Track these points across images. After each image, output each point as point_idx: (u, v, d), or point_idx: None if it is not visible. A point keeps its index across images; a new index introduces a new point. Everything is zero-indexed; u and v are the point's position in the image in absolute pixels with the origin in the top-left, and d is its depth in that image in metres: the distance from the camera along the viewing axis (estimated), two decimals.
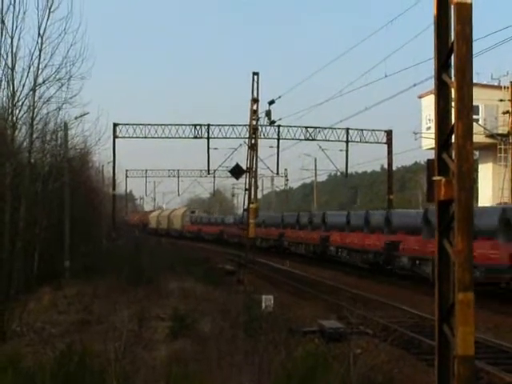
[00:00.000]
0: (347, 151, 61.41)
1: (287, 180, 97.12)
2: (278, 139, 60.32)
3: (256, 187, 37.65)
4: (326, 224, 47.72)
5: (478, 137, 48.16)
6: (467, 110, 6.94)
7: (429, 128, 54.15)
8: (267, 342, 13.85)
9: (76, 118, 32.20)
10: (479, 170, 56.23)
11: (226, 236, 70.56)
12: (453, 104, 7.16)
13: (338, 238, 44.11)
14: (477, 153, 55.90)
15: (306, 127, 60.25)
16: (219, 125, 60.77)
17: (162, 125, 61.73)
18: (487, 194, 54.53)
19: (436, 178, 7.28)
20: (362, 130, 61.18)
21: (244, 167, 37.47)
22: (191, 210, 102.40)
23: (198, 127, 60.78)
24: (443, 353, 7.35)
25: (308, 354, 13.72)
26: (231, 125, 60.34)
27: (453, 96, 7.14)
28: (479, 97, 46.82)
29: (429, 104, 52.56)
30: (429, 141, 51.62)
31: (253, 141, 36.57)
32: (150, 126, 61.63)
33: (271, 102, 38.29)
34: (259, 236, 55.97)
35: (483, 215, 27.24)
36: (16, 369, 12.70)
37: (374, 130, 61.55)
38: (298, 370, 12.31)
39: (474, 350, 6.93)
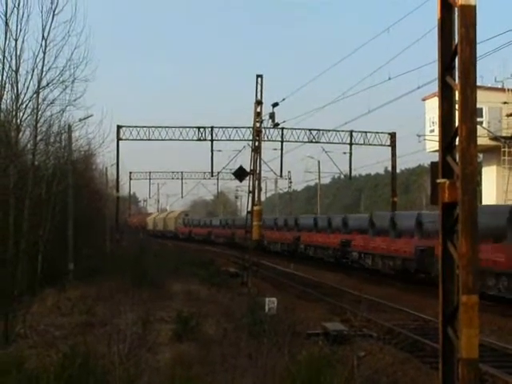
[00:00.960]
0: (351, 154, 61.32)
1: (291, 182, 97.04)
2: (282, 141, 60.25)
3: (259, 189, 37.66)
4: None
5: (482, 139, 48.09)
6: (471, 112, 6.93)
7: (432, 130, 54.09)
8: (271, 345, 13.83)
9: (80, 120, 32.24)
10: (483, 173, 56.14)
11: (213, 237, 79.02)
12: (457, 106, 7.15)
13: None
14: (481, 155, 55.82)
15: (310, 129, 60.20)
16: (223, 127, 60.76)
17: (165, 127, 61.73)
18: (491, 197, 54.44)
19: (440, 180, 7.28)
20: (365, 132, 61.10)
21: (248, 169, 37.46)
22: (185, 213, 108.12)
23: (201, 129, 60.75)
24: (447, 355, 7.34)
25: (312, 356, 13.71)
26: (235, 127, 60.33)
27: (457, 98, 7.14)
28: (483, 99, 46.73)
29: (433, 106, 52.49)
30: (433, 143, 51.56)
31: (256, 143, 36.56)
32: (153, 128, 61.62)
33: (275, 105, 38.31)
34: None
35: None
36: (19, 371, 12.71)
37: (377, 133, 61.45)
38: (302, 372, 12.30)
39: (479, 352, 6.92)
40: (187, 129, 61.18)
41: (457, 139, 7.09)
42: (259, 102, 36.19)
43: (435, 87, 7.72)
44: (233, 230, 72.76)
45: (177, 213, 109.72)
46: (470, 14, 6.93)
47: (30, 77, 23.37)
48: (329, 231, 49.11)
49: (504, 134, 53.50)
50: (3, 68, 22.63)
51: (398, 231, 37.81)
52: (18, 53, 22.50)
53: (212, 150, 60.99)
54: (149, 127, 61.69)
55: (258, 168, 36.39)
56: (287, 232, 59.11)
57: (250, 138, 42.20)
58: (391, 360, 16.51)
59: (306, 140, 60.84)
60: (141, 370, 13.08)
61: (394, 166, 62.71)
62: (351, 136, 60.64)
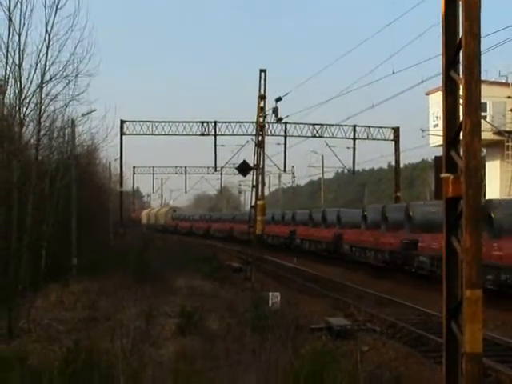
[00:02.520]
0: (354, 148, 61.29)
1: (294, 177, 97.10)
2: (285, 136, 60.25)
3: (263, 184, 37.64)
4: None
5: (486, 134, 48.00)
6: (475, 106, 6.91)
7: (436, 125, 54.03)
8: (274, 340, 13.83)
9: (83, 114, 32.21)
10: (486, 167, 56.09)
11: (195, 229, 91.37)
12: (461, 101, 7.13)
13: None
14: (484, 150, 55.72)
15: (313, 124, 60.17)
16: (226, 122, 60.77)
17: (169, 122, 61.74)
18: (495, 191, 54.38)
19: (444, 175, 7.26)
20: (369, 127, 61.04)
21: (251, 164, 37.45)
22: (173, 209, 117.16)
23: (205, 124, 60.75)
24: (451, 350, 7.32)
25: (315, 351, 13.71)
26: (238, 122, 60.32)
27: (461, 93, 7.12)
28: (487, 94, 46.56)
29: (436, 101, 52.42)
30: (436, 138, 51.50)
31: (260, 138, 36.55)
32: (157, 123, 61.64)
33: (278, 99, 38.23)
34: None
35: None
36: (23, 366, 12.73)
37: (381, 127, 61.40)
38: (306, 367, 12.30)
39: (482, 347, 6.91)
40: (191, 123, 61.27)
41: (461, 133, 7.08)
42: (262, 97, 36.16)
43: (439, 81, 7.71)
44: (209, 224, 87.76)
45: (166, 209, 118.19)
46: (474, 7, 6.91)
47: (33, 71, 23.38)
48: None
49: (508, 129, 53.44)
50: (7, 62, 22.64)
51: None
52: (22, 47, 22.51)
53: (215, 145, 61.11)
54: (152, 122, 61.78)
55: (261, 163, 36.39)
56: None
57: (254, 132, 42.15)
58: (395, 355, 16.52)
59: (310, 135, 60.86)
60: (144, 365, 13.10)
61: (397, 161, 62.66)
62: (355, 130, 60.62)
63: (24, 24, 22.19)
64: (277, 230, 59.27)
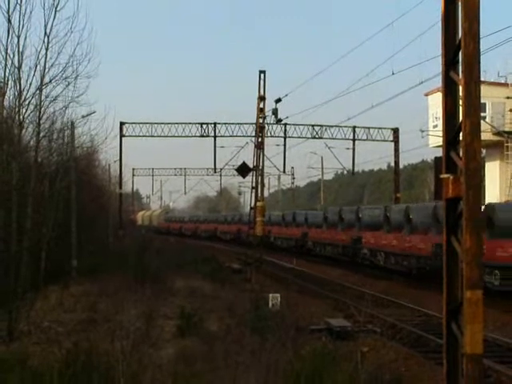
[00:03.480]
0: (354, 149, 61.31)
1: (294, 178, 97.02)
2: (285, 137, 60.26)
3: (263, 185, 37.66)
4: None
5: (485, 134, 47.99)
6: (475, 107, 6.91)
7: (435, 126, 54.03)
8: (274, 341, 13.83)
9: (83, 116, 32.19)
10: (486, 168, 56.08)
11: (184, 230, 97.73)
12: (460, 101, 7.13)
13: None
14: (483, 150, 55.72)
15: (313, 125, 60.16)
16: (226, 123, 60.77)
17: (168, 123, 61.74)
18: (494, 192, 54.38)
19: (444, 175, 7.26)
20: (368, 128, 61.07)
21: (251, 165, 37.45)
22: (165, 212, 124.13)
23: (204, 126, 60.74)
24: (451, 351, 7.32)
25: (315, 352, 13.71)
26: (238, 123, 60.33)
27: (460, 93, 7.11)
28: (486, 94, 46.64)
29: (435, 102, 52.42)
30: (435, 139, 51.51)
31: (259, 139, 36.57)
32: (156, 125, 61.65)
33: (278, 101, 38.27)
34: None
35: None
36: (23, 368, 12.72)
37: (380, 128, 61.42)
38: (306, 368, 12.30)
39: (483, 348, 6.90)
40: (190, 125, 61.25)
41: (460, 134, 7.07)
42: (262, 98, 36.19)
43: (438, 82, 7.71)
44: (196, 225, 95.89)
45: (159, 211, 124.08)
46: (473, 8, 6.91)
47: (32, 73, 23.34)
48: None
49: (507, 129, 53.44)
50: (6, 65, 22.61)
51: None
52: (21, 49, 22.47)
53: (215, 146, 61.09)
54: (152, 123, 61.80)
55: (260, 164, 36.42)
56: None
57: (253, 134, 42.22)
58: (395, 356, 16.50)
59: (309, 136, 60.87)
60: (144, 366, 13.09)
61: (396, 162, 62.68)
62: (354, 132, 60.64)
63: (23, 26, 22.17)
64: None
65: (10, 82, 23.01)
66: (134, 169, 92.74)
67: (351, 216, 43.89)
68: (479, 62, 6.94)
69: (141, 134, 61.69)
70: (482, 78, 7.21)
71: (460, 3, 7.04)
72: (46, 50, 23.47)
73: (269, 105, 37.37)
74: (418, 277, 32.67)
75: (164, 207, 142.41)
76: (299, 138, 61.08)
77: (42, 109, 25.09)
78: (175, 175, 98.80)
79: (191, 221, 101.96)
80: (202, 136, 61.05)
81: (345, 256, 43.95)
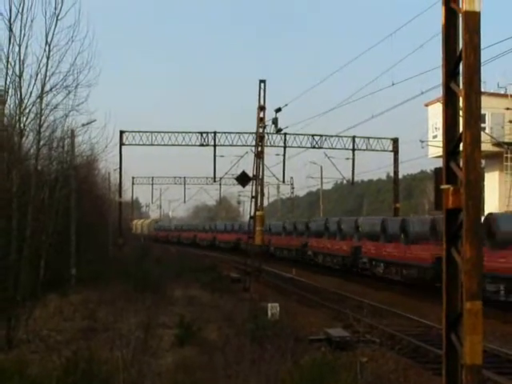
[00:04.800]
0: (353, 159, 61.31)
1: (293, 188, 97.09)
2: (285, 147, 60.26)
3: (262, 195, 37.61)
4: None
5: (485, 145, 48.03)
6: (475, 118, 6.93)
7: (435, 136, 54.09)
8: (273, 350, 13.83)
9: (83, 125, 32.21)
10: (485, 179, 56.12)
11: (170, 238, 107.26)
12: (461, 112, 7.16)
13: None
14: (483, 161, 55.76)
15: (313, 135, 60.17)
16: (226, 132, 60.76)
17: (168, 132, 61.76)
18: (493, 203, 54.41)
19: (444, 186, 7.28)
20: (368, 138, 61.08)
21: (250, 175, 37.45)
22: (155, 221, 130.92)
23: (204, 135, 60.75)
24: (451, 362, 7.33)
25: (315, 362, 13.70)
26: (238, 132, 60.34)
27: (461, 104, 7.14)
28: (486, 105, 46.55)
29: (435, 112, 52.48)
30: (435, 149, 51.56)
31: (259, 148, 36.55)
32: (156, 134, 61.68)
33: (278, 110, 38.24)
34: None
35: None
36: (22, 376, 12.70)
37: (380, 138, 61.45)
38: (305, 378, 12.29)
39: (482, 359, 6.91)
40: (190, 134, 61.28)
41: (461, 145, 7.10)
42: (262, 108, 36.17)
43: (438, 93, 7.75)
44: (180, 233, 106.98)
45: (150, 220, 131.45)
46: (474, 20, 6.94)
47: (33, 82, 23.37)
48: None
49: (507, 140, 53.50)
50: (7, 73, 22.64)
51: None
52: (22, 58, 22.50)
53: (215, 155, 61.10)
54: (151, 132, 61.82)
55: (260, 173, 36.38)
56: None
57: (253, 143, 42.15)
58: (394, 366, 16.50)
59: (309, 145, 60.87)
60: (143, 375, 13.08)
61: (396, 172, 62.70)
62: (354, 141, 60.66)
63: (24, 35, 22.20)
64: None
65: (10, 90, 23.05)
66: (133, 177, 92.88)
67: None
68: (480, 74, 6.97)
69: (141, 143, 61.72)
70: (482, 89, 7.23)
71: (461, 15, 7.08)
72: (47, 58, 23.51)
73: (269, 114, 37.40)
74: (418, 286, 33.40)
75: (163, 216, 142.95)
76: (299, 147, 61.13)
77: (43, 117, 25.13)
78: (175, 184, 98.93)
79: (176, 230, 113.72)
80: (201, 145, 61.06)
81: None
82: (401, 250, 36.14)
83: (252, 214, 36.93)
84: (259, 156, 36.39)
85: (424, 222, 35.75)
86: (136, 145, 61.81)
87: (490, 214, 31.20)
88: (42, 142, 25.94)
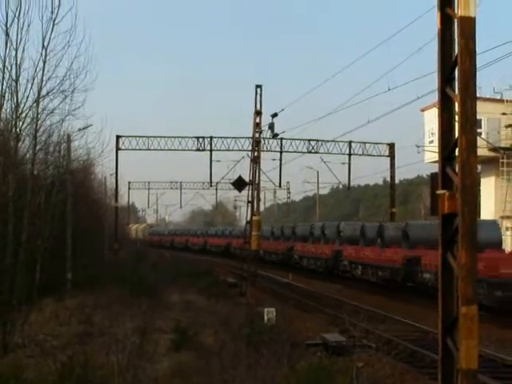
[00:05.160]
0: (350, 164, 61.38)
1: (289, 193, 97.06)
2: (281, 152, 60.27)
3: (258, 200, 37.63)
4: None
5: (481, 150, 48.08)
6: (471, 123, 6.95)
7: (431, 141, 54.10)
8: (270, 355, 13.81)
9: (79, 129, 32.22)
10: (481, 184, 56.14)
11: (163, 242, 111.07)
12: (456, 118, 7.17)
13: None
14: (479, 166, 55.79)
15: (309, 140, 60.20)
16: (222, 137, 60.80)
17: (164, 137, 61.77)
18: (489, 208, 54.45)
19: (439, 191, 7.29)
20: (364, 143, 61.14)
21: (247, 180, 37.46)
22: (150, 226, 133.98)
23: (200, 139, 60.75)
24: (447, 366, 7.34)
25: (311, 367, 13.69)
26: (234, 137, 60.36)
27: (456, 110, 7.15)
28: (482, 110, 46.74)
29: (432, 117, 52.51)
30: (431, 154, 51.57)
31: (255, 153, 36.58)
32: (152, 138, 61.67)
33: (274, 115, 38.30)
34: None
35: None
36: (18, 381, 12.68)
37: (376, 143, 61.51)
38: (301, 383, 12.28)
39: (478, 363, 6.92)
40: (186, 139, 61.28)
41: (456, 150, 7.11)
42: (258, 113, 36.21)
43: (434, 98, 7.76)
44: (173, 238, 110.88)
45: (144, 225, 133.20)
46: (469, 25, 6.96)
47: (29, 86, 23.38)
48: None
49: (503, 145, 53.53)
50: (3, 77, 22.64)
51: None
52: (18, 62, 22.51)
53: (211, 160, 61.09)
54: (148, 137, 61.83)
55: (257, 178, 36.40)
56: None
57: (249, 148, 42.28)
58: (390, 371, 16.49)
59: (305, 150, 60.90)
60: (139, 380, 13.06)
61: (392, 177, 62.77)
62: (350, 146, 60.70)
63: (21, 39, 22.21)
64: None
65: (7, 95, 23.05)
66: (129, 182, 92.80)
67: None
68: (475, 79, 6.99)
69: (137, 147, 61.70)
70: (478, 94, 7.23)
71: (456, 20, 7.10)
72: (44, 63, 23.51)
73: (265, 119, 37.43)
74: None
75: (160, 220, 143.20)
76: (295, 152, 61.13)
77: (39, 122, 25.12)
78: (171, 189, 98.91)
79: (170, 234, 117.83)
80: (198, 150, 61.06)
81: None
82: (377, 253, 38.44)
83: (248, 218, 36.94)
84: (255, 161, 36.43)
85: (397, 228, 38.39)
86: (132, 149, 61.82)
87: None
88: (38, 147, 25.94)
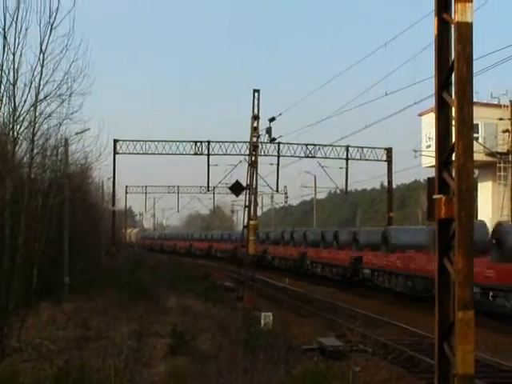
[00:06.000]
0: (347, 169, 61.38)
1: (287, 197, 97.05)
2: (278, 156, 60.26)
3: (256, 204, 37.59)
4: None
5: (478, 155, 48.13)
6: (468, 128, 6.96)
7: (429, 146, 54.16)
8: (266, 360, 13.81)
9: (77, 133, 32.17)
10: (478, 189, 56.19)
11: (154, 246, 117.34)
12: (453, 123, 7.18)
13: None
14: (476, 171, 55.88)
15: (306, 144, 60.20)
16: (219, 141, 60.79)
17: (162, 141, 61.73)
18: (487, 213, 54.49)
19: (436, 196, 7.30)
20: (362, 147, 61.12)
21: (244, 184, 37.45)
22: (142, 230, 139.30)
23: (198, 144, 60.74)
24: (443, 371, 7.34)
25: (307, 372, 13.69)
26: (231, 141, 60.35)
27: (453, 115, 7.17)
28: (479, 115, 46.73)
29: (429, 122, 52.56)
30: (429, 159, 51.63)
31: (253, 158, 36.57)
32: (150, 143, 61.63)
33: (272, 119, 38.29)
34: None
35: None
36: None
37: (374, 148, 61.51)
38: None
39: (474, 368, 6.92)
40: (184, 143, 61.25)
41: (453, 155, 7.12)
42: (256, 117, 36.18)
43: (432, 103, 7.77)
44: (162, 241, 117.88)
45: (137, 230, 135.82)
46: (466, 30, 6.98)
47: (27, 90, 23.38)
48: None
49: (499, 150, 53.62)
50: (1, 81, 22.63)
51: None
52: (16, 66, 22.51)
53: (208, 165, 61.05)
54: (145, 141, 61.78)
55: (254, 183, 36.39)
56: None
57: (247, 152, 42.19)
58: (387, 375, 16.48)
59: (303, 155, 60.88)
60: None
61: (390, 182, 62.77)
62: (347, 151, 60.71)
63: (19, 43, 22.22)
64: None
65: (4, 99, 23.06)
66: (127, 186, 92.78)
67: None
68: (472, 84, 7.00)
69: (134, 152, 61.64)
70: (475, 99, 7.24)
71: (453, 26, 7.11)
72: (42, 66, 23.52)
73: (263, 124, 37.40)
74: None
75: (157, 225, 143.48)
76: (292, 156, 61.11)
77: (36, 125, 25.12)
78: (168, 193, 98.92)
79: (159, 238, 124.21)
80: (195, 154, 61.05)
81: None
82: (332, 253, 46.28)
83: (246, 223, 36.91)
84: (253, 165, 36.41)
85: (348, 233, 46.11)
86: (130, 153, 61.78)
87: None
88: (35, 151, 25.93)
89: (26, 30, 22.28)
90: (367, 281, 39.36)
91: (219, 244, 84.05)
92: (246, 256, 36.18)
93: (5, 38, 22.05)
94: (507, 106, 54.07)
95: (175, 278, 39.65)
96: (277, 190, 67.30)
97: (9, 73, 22.51)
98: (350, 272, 42.02)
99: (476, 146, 43.94)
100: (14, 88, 22.86)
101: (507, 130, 53.49)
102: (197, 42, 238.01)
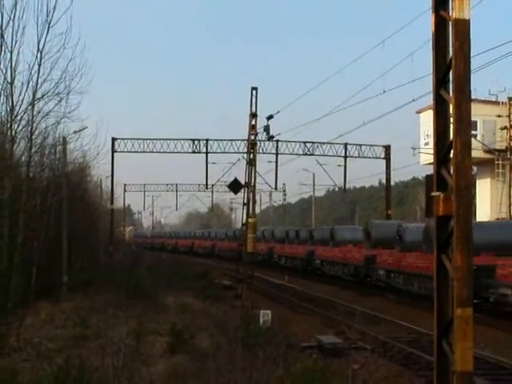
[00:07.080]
0: (345, 166, 61.34)
1: (285, 195, 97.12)
2: (277, 154, 60.24)
3: (254, 202, 37.57)
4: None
5: (476, 152, 48.21)
6: (466, 125, 6.95)
7: (427, 143, 54.20)
8: (265, 358, 13.80)
9: (75, 132, 32.17)
10: (477, 186, 56.23)
11: (145, 244, 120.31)
12: (451, 120, 7.17)
13: None
14: (474, 168, 55.92)
15: (305, 142, 60.18)
16: (218, 139, 60.76)
17: (160, 139, 61.69)
18: (485, 210, 54.53)
19: (435, 193, 7.29)
20: (360, 145, 61.10)
21: (242, 182, 37.42)
22: (134, 229, 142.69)
23: (196, 142, 60.71)
24: (442, 368, 7.34)
25: (306, 369, 13.68)
26: (230, 139, 60.31)
27: (451, 112, 7.16)
28: (477, 112, 46.86)
29: (427, 119, 52.57)
30: (427, 156, 51.65)
31: (251, 156, 36.53)
32: (148, 141, 61.58)
33: (270, 117, 38.26)
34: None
35: None
36: None
37: (372, 145, 61.48)
38: None
39: (473, 365, 6.92)
40: (182, 141, 61.18)
41: (451, 152, 7.11)
42: (254, 115, 36.14)
43: (430, 100, 7.76)
44: (153, 240, 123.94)
45: (130, 228, 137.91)
46: (463, 27, 6.97)
47: (25, 89, 23.41)
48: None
49: (498, 147, 53.65)
50: None
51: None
52: (14, 65, 22.57)
53: (207, 163, 61.03)
54: (143, 139, 61.72)
55: (252, 180, 36.35)
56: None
57: (245, 150, 42.15)
58: (386, 373, 16.48)
59: (301, 153, 60.87)
60: (135, 383, 13.04)
61: (388, 179, 62.76)
62: (346, 149, 60.69)
63: (16, 42, 22.27)
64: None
65: (2, 98, 23.09)
66: (125, 184, 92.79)
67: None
68: (470, 81, 6.99)
69: (133, 150, 61.58)
70: (473, 96, 7.23)
71: (450, 23, 7.10)
72: (39, 65, 23.56)
73: (261, 121, 37.35)
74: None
75: (156, 223, 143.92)
76: (291, 154, 61.10)
77: (34, 124, 25.14)
78: (167, 191, 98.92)
79: (152, 237, 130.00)
80: (193, 152, 61.01)
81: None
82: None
83: (244, 221, 36.89)
84: (251, 163, 36.38)
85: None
86: (128, 152, 61.72)
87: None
88: (33, 149, 25.94)
89: (24, 28, 22.35)
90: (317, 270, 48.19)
91: (201, 241, 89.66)
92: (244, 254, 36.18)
93: (2, 36, 22.11)
94: (505, 103, 54.09)
95: (173, 276, 39.66)
96: (275, 188, 67.27)
97: (6, 71, 22.57)
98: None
99: (474, 143, 43.80)
100: (11, 87, 22.91)
101: (505, 127, 53.51)
102: (195, 40, 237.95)
